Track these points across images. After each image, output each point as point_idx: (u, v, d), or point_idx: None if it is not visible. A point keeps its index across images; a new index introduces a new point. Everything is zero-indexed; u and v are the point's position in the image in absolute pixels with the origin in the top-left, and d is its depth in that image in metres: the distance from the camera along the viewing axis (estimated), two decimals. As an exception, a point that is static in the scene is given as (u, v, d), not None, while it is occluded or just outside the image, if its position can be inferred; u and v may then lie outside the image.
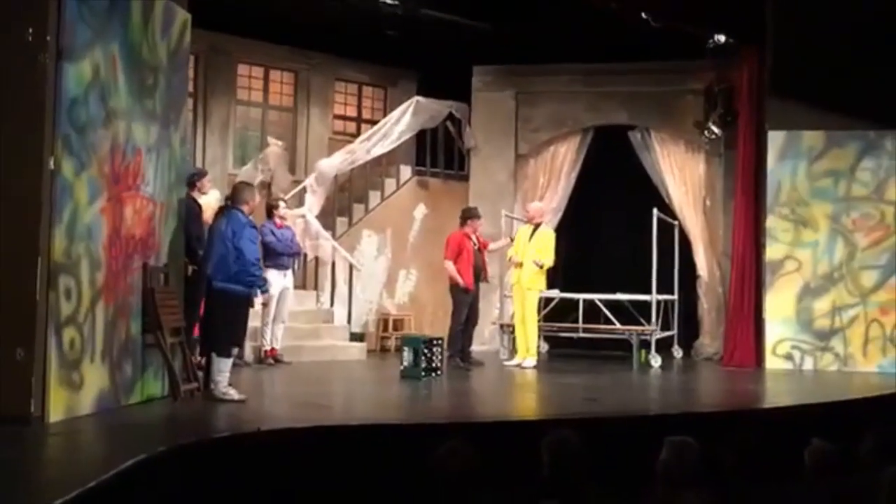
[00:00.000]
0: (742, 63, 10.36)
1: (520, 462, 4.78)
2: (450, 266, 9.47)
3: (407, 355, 8.36)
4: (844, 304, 9.85)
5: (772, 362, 9.89)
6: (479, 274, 9.71)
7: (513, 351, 10.22)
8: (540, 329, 10.10)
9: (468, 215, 9.79)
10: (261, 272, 6.95)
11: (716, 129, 10.76)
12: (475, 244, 9.69)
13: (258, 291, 7.17)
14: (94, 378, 5.83)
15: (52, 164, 5.40)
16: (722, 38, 10.13)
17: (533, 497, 3.99)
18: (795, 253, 10.00)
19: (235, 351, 6.98)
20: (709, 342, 11.06)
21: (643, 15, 9.56)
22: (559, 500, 3.78)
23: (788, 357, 9.91)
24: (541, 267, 9.50)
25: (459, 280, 9.42)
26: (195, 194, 7.73)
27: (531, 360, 9.58)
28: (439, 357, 8.56)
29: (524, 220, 10.51)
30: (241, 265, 6.60)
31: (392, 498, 4.81)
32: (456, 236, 9.62)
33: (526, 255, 9.59)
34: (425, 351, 8.37)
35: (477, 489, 4.07)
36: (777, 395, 8.24)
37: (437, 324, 11.21)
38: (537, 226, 9.78)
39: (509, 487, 4.31)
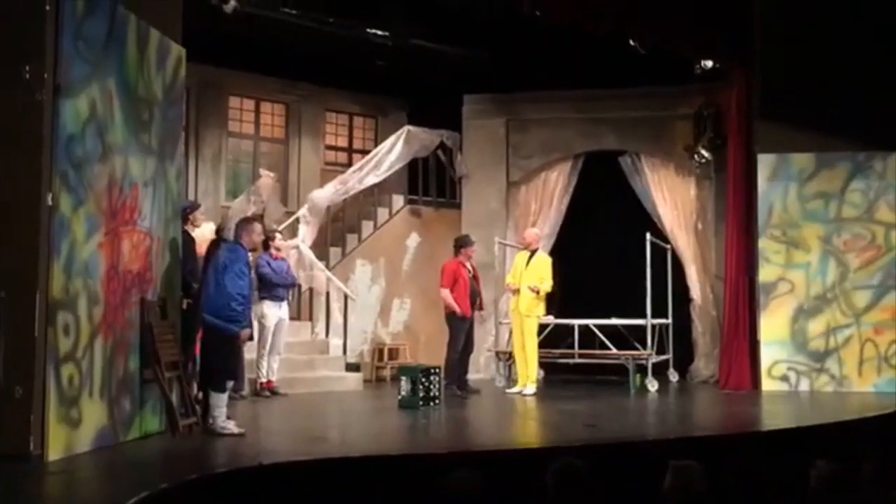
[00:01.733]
0: (730, 87, 10.47)
1: (524, 490, 4.77)
2: (446, 294, 9.48)
3: (405, 385, 8.34)
4: (838, 325, 9.89)
5: (768, 384, 9.90)
6: (475, 301, 9.73)
7: (510, 379, 10.22)
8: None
9: (462, 243, 9.83)
10: (243, 308, 6.61)
11: (706, 153, 10.86)
12: (470, 272, 9.71)
13: (238, 329, 6.65)
14: (93, 414, 5.78)
15: (49, 200, 5.40)
16: (709, 64, 10.24)
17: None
18: (788, 274, 10.05)
19: (231, 384, 6.91)
20: (704, 365, 11.08)
21: (631, 42, 9.67)
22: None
23: (784, 379, 9.93)
24: (538, 293, 9.52)
25: (456, 308, 9.43)
26: (188, 227, 7.71)
27: (531, 388, 9.55)
28: (437, 386, 8.54)
29: (518, 246, 10.54)
30: (224, 299, 6.50)
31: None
32: (451, 265, 9.65)
33: (523, 281, 9.61)
34: (423, 380, 8.34)
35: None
36: (777, 417, 8.24)
37: (432, 352, 11.17)
38: (534, 252, 9.80)
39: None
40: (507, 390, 9.80)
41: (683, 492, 4.15)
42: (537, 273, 9.60)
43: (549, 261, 9.82)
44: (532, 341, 9.63)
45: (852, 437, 6.88)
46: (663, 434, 7.19)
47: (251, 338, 7.62)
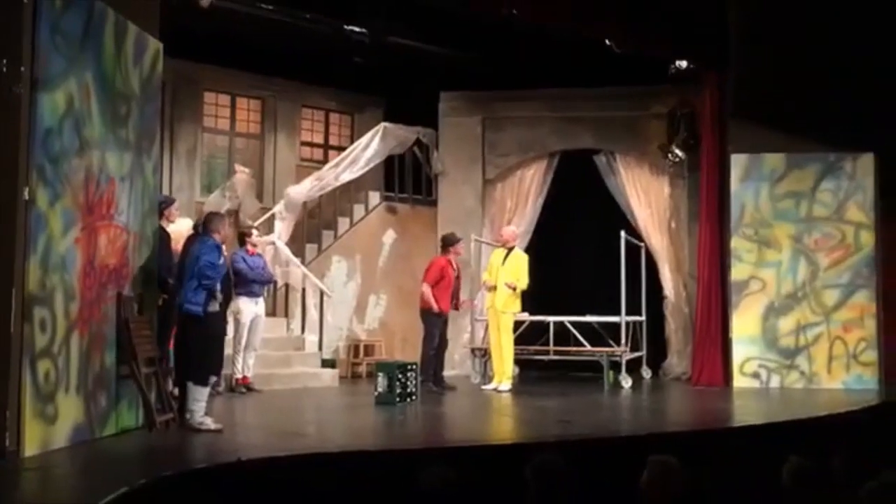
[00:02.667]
0: (704, 88, 10.60)
1: (500, 485, 4.81)
2: (426, 290, 9.49)
3: (381, 381, 8.35)
4: (808, 323, 10.06)
5: (739, 381, 10.04)
6: (454, 299, 9.78)
7: (486, 375, 10.28)
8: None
9: (450, 241, 9.84)
10: (216, 276, 6.60)
11: (679, 153, 10.97)
12: (455, 270, 9.74)
13: (213, 302, 6.65)
14: (69, 410, 5.75)
15: (26, 195, 5.36)
16: (684, 64, 10.35)
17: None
18: (760, 273, 10.20)
19: (213, 379, 6.90)
20: (677, 362, 11.21)
21: (606, 42, 9.74)
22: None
23: (755, 375, 10.07)
24: (514, 289, 9.57)
25: (433, 304, 9.45)
26: (163, 223, 7.67)
27: (507, 384, 9.61)
28: (414, 382, 8.56)
29: (495, 244, 10.59)
30: (199, 275, 6.48)
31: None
32: (439, 262, 9.67)
33: (500, 278, 9.66)
34: (399, 377, 8.36)
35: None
36: (749, 413, 8.35)
37: (407, 349, 11.22)
38: (510, 249, 9.85)
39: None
40: (483, 386, 9.86)
41: (661, 486, 4.21)
42: (514, 271, 9.65)
43: (525, 258, 9.88)
44: (508, 338, 9.69)
45: (823, 433, 7.01)
46: (637, 430, 7.27)
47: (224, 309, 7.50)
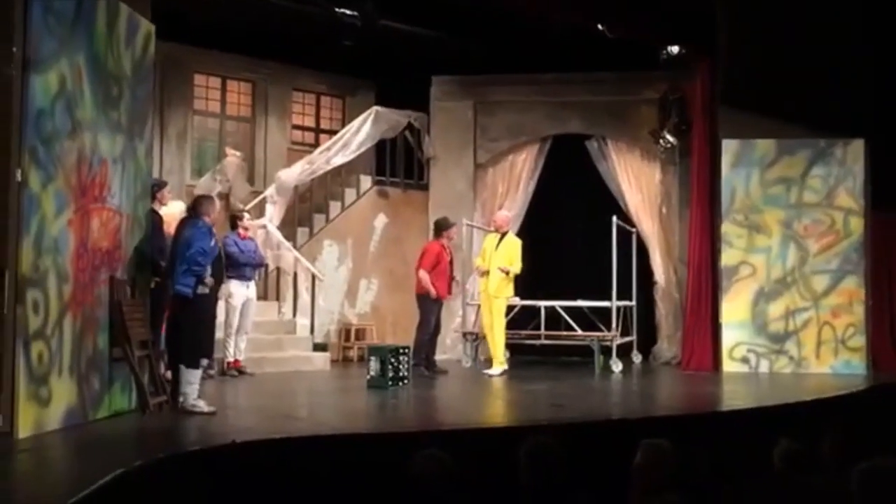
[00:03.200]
0: (695, 73, 10.61)
1: (492, 468, 4.84)
2: (424, 276, 9.47)
3: (373, 365, 8.37)
4: (797, 308, 10.12)
5: (728, 365, 10.11)
6: (450, 285, 9.79)
7: (476, 359, 10.32)
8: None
9: (443, 226, 9.81)
10: (206, 263, 6.63)
11: (671, 138, 10.99)
12: (449, 255, 9.74)
13: (202, 286, 6.66)
14: (63, 393, 5.74)
15: (19, 177, 5.33)
16: (675, 50, 10.35)
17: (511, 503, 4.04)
18: (750, 258, 10.25)
19: (205, 362, 6.90)
20: (667, 347, 11.27)
21: (599, 27, 9.74)
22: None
23: (745, 360, 10.14)
24: (507, 274, 9.58)
25: (432, 290, 9.44)
26: (155, 205, 7.65)
27: (498, 369, 9.63)
28: (406, 366, 8.58)
29: (487, 228, 10.59)
30: (188, 263, 6.51)
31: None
32: (434, 247, 9.65)
33: (493, 263, 9.66)
34: (392, 360, 8.38)
35: (454, 496, 4.10)
36: (739, 397, 8.42)
37: (398, 333, 11.25)
38: (504, 234, 9.85)
39: (486, 494, 4.36)
40: (485, 371, 9.75)
41: (654, 470, 4.24)
42: (507, 255, 9.66)
43: (518, 243, 9.89)
44: (499, 322, 9.71)
45: (812, 416, 7.07)
46: (628, 413, 7.32)
47: (216, 292, 7.51)
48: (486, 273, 9.76)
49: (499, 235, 9.86)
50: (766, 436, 4.97)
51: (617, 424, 6.40)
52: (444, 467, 4.18)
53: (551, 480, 4.23)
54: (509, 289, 9.74)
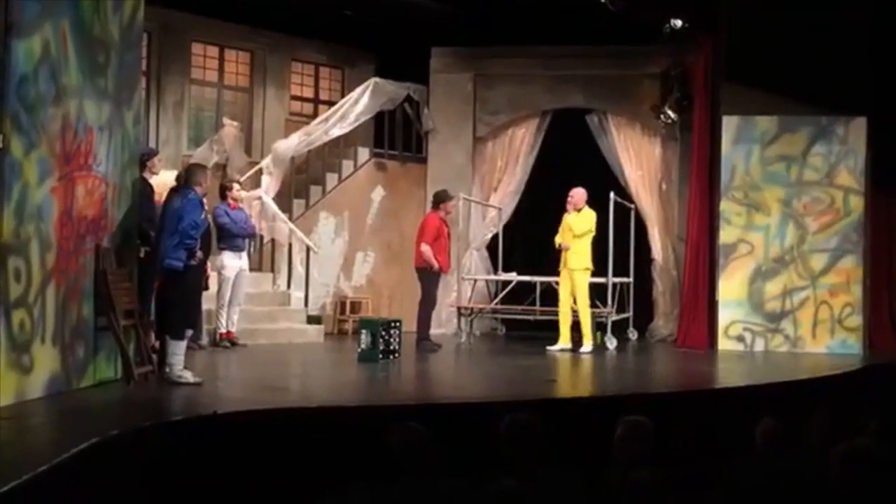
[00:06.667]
0: (698, 48, 10.47)
1: (478, 443, 4.81)
2: (427, 250, 9.35)
3: (365, 338, 8.33)
4: (795, 287, 10.05)
5: (724, 343, 10.06)
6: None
7: (470, 334, 10.26)
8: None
9: (442, 198, 9.69)
10: (197, 236, 6.63)
11: (672, 114, 10.88)
12: (447, 228, 9.65)
13: (193, 260, 6.69)
14: (45, 361, 5.72)
15: (0, 143, 5.27)
16: (678, 24, 10.19)
17: (491, 477, 4.02)
18: (748, 236, 10.16)
19: (189, 333, 6.88)
20: (663, 324, 11.22)
21: (601, 0, 9.60)
22: (516, 480, 3.80)
23: (740, 339, 10.08)
24: (580, 237, 9.39)
25: (435, 264, 9.35)
26: (146, 175, 7.61)
27: (588, 346, 9.45)
28: (397, 339, 8.56)
29: (484, 203, 10.46)
30: (180, 237, 6.48)
31: (349, 480, 4.80)
32: (433, 220, 9.53)
33: (567, 239, 9.48)
34: (383, 333, 8.35)
35: (433, 469, 4.07)
36: (729, 375, 8.38)
37: (394, 306, 11.21)
38: (579, 211, 9.63)
39: (467, 468, 4.33)
40: (549, 347, 9.53)
41: (633, 446, 4.21)
42: (581, 228, 9.45)
43: (593, 214, 9.61)
44: (583, 298, 9.46)
45: (801, 396, 7.03)
46: (618, 391, 7.28)
47: (203, 263, 7.49)
48: (567, 249, 9.48)
49: (575, 212, 9.59)
50: (752, 414, 4.92)
51: (600, 401, 6.36)
52: (419, 439, 4.15)
53: (531, 456, 4.20)
54: (587, 259, 9.47)
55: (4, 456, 4.43)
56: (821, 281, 10.01)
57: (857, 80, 9.50)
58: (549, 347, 9.54)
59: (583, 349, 9.48)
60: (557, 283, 10.31)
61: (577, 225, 9.47)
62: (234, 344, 9.20)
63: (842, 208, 10.02)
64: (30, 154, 5.51)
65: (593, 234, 9.55)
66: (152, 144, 10.71)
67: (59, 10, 5.77)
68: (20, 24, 5.37)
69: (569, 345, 9.50)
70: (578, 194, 9.70)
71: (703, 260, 10.36)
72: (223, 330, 9.24)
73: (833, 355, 9.61)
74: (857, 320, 9.95)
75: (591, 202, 10.49)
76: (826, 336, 9.97)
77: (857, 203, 9.99)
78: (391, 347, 8.46)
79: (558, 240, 9.68)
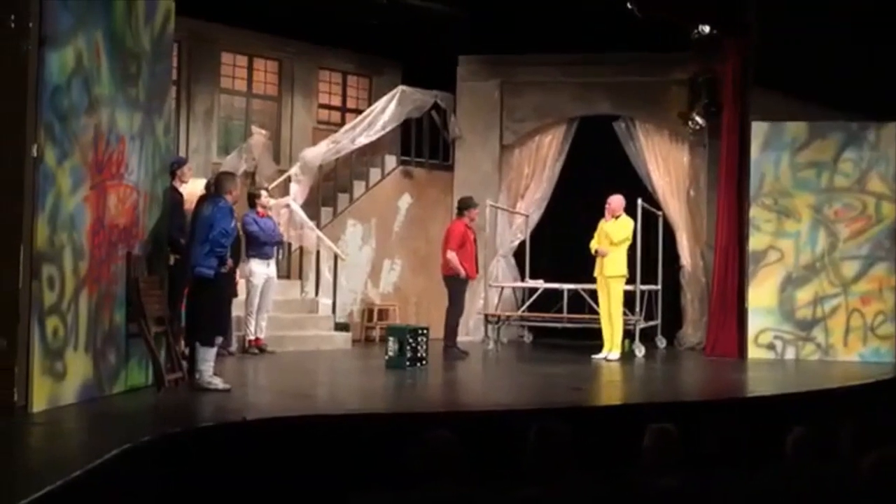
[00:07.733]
0: (726, 54, 10.40)
1: (506, 451, 4.80)
2: (453, 257, 9.34)
3: (392, 345, 8.36)
4: (826, 295, 9.93)
5: (754, 352, 9.96)
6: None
7: (498, 342, 10.24)
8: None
9: (466, 205, 9.67)
10: (227, 244, 6.71)
11: (700, 120, 10.82)
12: (473, 234, 9.65)
13: (223, 268, 6.77)
14: (78, 367, 5.80)
15: (34, 152, 5.36)
16: (707, 29, 10.14)
17: (516, 484, 4.01)
18: (778, 243, 10.07)
19: (219, 340, 6.94)
20: (692, 332, 11.14)
21: (628, 5, 9.58)
22: (542, 488, 3.80)
23: (770, 347, 9.98)
24: (617, 245, 9.38)
25: (461, 271, 9.35)
26: (175, 183, 7.69)
27: (615, 353, 9.44)
28: (424, 347, 8.56)
29: (511, 210, 10.45)
30: (211, 245, 6.55)
31: (377, 487, 4.82)
32: (458, 227, 9.51)
33: (604, 245, 9.48)
34: (410, 341, 8.37)
35: (460, 477, 4.08)
36: (759, 384, 8.30)
37: (421, 313, 11.24)
38: (617, 218, 9.61)
39: (494, 475, 4.33)
40: (594, 356, 9.52)
41: (660, 454, 4.19)
42: (618, 232, 9.43)
43: (630, 222, 9.60)
44: (617, 306, 9.46)
45: (833, 405, 6.94)
46: (646, 398, 7.24)
47: (234, 270, 7.56)
48: (604, 255, 9.46)
49: (613, 219, 9.57)
50: (782, 423, 4.87)
51: (628, 409, 6.33)
52: (448, 447, 4.16)
53: (559, 464, 4.20)
54: (622, 266, 9.44)
55: (38, 461, 4.50)
56: (852, 288, 9.89)
57: (888, 84, 9.38)
58: (594, 356, 9.49)
59: (610, 356, 9.44)
60: (585, 290, 10.30)
61: (616, 232, 9.45)
62: (262, 351, 9.27)
63: (874, 215, 9.90)
64: (63, 163, 5.60)
65: (630, 241, 9.52)
66: (182, 153, 10.84)
67: (92, 22, 5.87)
68: (55, 35, 5.47)
69: (616, 352, 9.43)
70: (616, 201, 9.65)
71: (733, 267, 10.28)
72: (252, 337, 9.31)
73: (865, 364, 9.48)
74: (889, 328, 9.82)
75: (620, 209, 10.48)
76: (858, 344, 9.84)
77: (889, 209, 9.87)
78: (418, 355, 8.48)
79: (594, 245, 9.64)
